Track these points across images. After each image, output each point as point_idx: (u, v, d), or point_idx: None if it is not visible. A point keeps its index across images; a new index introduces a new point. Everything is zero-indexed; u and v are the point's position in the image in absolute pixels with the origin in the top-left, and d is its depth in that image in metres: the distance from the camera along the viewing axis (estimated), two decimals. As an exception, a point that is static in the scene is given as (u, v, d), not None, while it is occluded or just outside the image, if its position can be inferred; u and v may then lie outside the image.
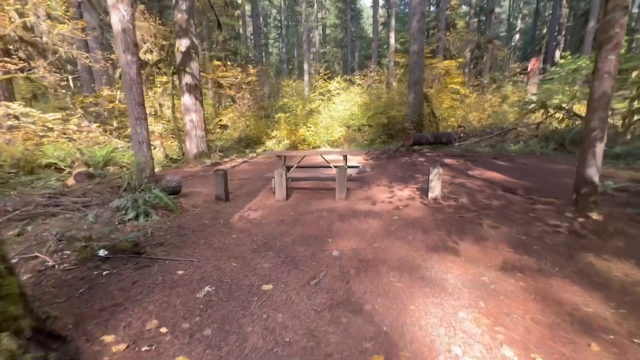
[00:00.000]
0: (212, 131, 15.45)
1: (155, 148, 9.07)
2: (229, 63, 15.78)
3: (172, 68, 9.47)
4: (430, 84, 13.56)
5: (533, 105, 11.46)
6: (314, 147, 11.68)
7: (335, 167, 4.89)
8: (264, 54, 33.06)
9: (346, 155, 5.26)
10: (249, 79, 11.48)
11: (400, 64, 18.62)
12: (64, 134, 8.33)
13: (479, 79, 18.67)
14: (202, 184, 6.37)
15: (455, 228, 3.63)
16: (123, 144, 8.63)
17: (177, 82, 9.39)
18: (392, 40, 17.65)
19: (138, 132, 5.41)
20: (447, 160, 7.67)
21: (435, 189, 4.68)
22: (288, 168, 5.48)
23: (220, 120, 15.78)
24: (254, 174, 7.37)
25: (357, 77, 15.95)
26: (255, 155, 10.88)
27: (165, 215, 4.21)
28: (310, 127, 11.76)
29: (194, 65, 8.77)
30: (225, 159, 9.75)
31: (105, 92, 10.85)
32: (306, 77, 17.94)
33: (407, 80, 11.67)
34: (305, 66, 18.16)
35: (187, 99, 8.75)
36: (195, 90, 8.82)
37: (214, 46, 16.78)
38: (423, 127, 11.72)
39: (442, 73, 13.30)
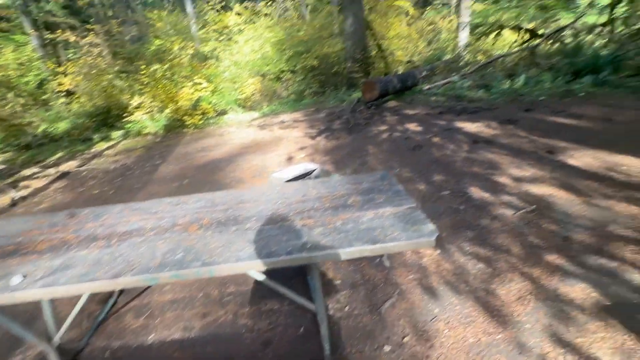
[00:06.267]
0: (49, 102, 9.66)
1: None
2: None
3: None
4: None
5: (482, 28, 8.86)
6: (216, 115, 7.38)
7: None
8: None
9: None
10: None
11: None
12: None
13: None
14: None
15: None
16: None
17: None
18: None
19: None
20: (468, 127, 4.13)
21: None
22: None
23: (60, 84, 9.85)
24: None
25: (262, 3, 11.21)
26: (100, 150, 6.12)
27: None
28: (201, 84, 7.18)
29: None
30: (12, 178, 4.66)
31: None
32: (189, 7, 12.34)
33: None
34: (185, -10, 12.38)
35: None
36: None
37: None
38: (370, 67, 8.30)
39: (383, -14, 9.67)
